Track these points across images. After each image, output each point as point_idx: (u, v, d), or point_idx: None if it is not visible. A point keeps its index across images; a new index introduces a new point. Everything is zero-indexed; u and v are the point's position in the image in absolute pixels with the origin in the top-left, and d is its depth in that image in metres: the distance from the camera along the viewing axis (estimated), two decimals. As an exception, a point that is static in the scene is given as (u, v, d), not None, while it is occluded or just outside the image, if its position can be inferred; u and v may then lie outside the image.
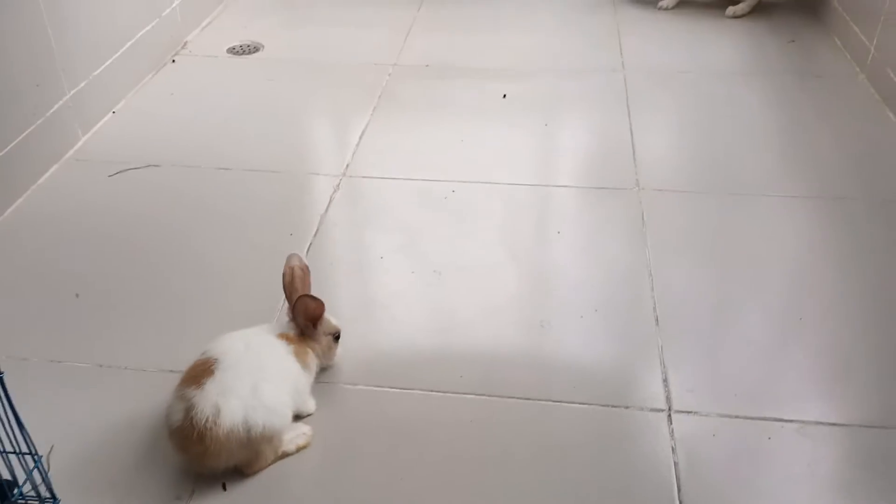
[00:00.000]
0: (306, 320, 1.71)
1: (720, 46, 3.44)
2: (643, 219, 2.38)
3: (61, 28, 2.63)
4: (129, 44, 3.07)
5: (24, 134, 2.49)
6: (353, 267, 2.23)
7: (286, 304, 1.77)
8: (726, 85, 3.14)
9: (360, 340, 1.97)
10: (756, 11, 3.73)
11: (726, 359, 1.90)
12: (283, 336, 1.69)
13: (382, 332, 2.00)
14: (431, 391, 1.82)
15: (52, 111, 2.62)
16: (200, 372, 1.53)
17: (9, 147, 2.42)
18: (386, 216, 2.44)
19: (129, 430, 1.72)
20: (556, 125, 2.91)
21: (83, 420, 1.74)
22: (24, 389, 1.37)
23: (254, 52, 3.49)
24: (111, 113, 2.97)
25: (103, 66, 2.90)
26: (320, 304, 1.70)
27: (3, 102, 2.39)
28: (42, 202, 2.49)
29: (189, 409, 1.48)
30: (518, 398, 1.79)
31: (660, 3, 3.76)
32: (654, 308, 2.04)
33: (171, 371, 1.86)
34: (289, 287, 1.75)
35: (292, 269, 1.76)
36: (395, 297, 2.11)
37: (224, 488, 1.59)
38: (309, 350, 1.71)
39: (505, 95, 3.09)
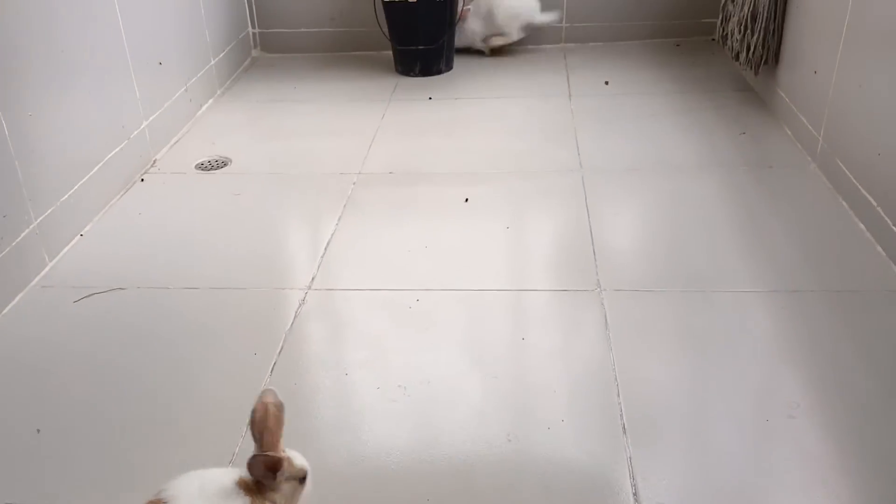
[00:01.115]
0: (265, 473, 1.57)
1: (673, 140, 3.56)
2: (606, 320, 2.41)
3: (28, 155, 2.68)
4: (97, 166, 3.13)
5: (-11, 265, 2.51)
6: (318, 385, 2.23)
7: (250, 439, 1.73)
8: (681, 179, 3.23)
9: (322, 465, 1.95)
10: (705, 104, 3.88)
11: (698, 467, 1.90)
12: (242, 483, 1.58)
13: (346, 456, 1.98)
14: (398, 516, 1.79)
15: (18, 240, 2.64)
16: None
17: (-27, 280, 2.43)
18: (350, 329, 2.46)
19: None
20: (518, 228, 2.98)
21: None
22: None
23: (221, 167, 3.56)
24: (79, 236, 3.00)
25: (72, 191, 2.95)
26: (277, 460, 1.56)
27: (-32, 236, 2.42)
28: (5, 333, 2.48)
29: None
30: (487, 520, 1.77)
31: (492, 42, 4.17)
32: (621, 415, 2.05)
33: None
34: (259, 424, 1.61)
35: (265, 406, 1.63)
36: (359, 416, 2.10)
37: None
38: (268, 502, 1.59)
39: (467, 199, 3.16)
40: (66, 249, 2.91)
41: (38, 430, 2.08)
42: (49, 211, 2.81)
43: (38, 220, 2.76)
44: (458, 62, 4.60)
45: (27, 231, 2.70)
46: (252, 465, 1.56)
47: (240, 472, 1.62)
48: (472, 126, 3.86)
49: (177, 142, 3.81)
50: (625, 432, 1.99)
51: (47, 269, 2.80)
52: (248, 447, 1.95)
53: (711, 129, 3.64)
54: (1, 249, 2.56)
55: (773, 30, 3.59)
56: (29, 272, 2.72)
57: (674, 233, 2.87)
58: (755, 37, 3.68)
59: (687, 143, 3.53)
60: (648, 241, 2.84)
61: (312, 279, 2.70)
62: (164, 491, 1.57)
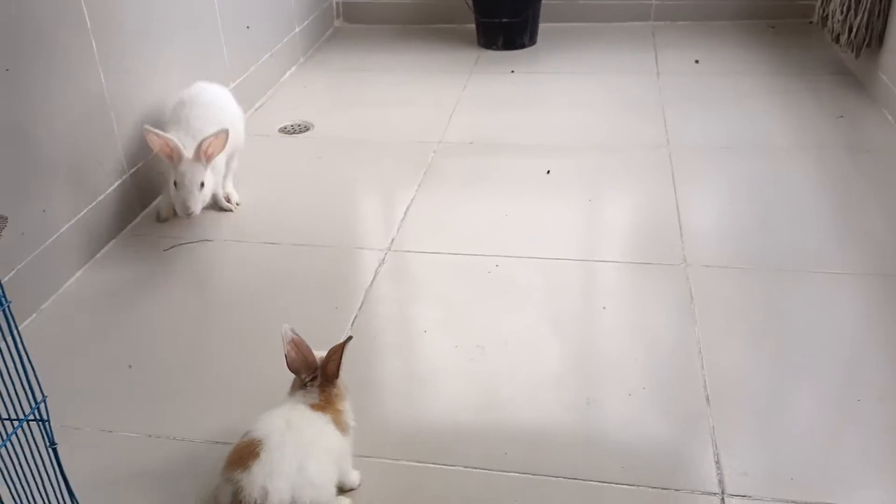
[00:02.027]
0: (331, 378, 1.70)
1: (766, 121, 3.44)
2: (691, 295, 2.35)
3: (123, 108, 2.76)
4: (186, 124, 3.20)
5: (87, 209, 2.59)
6: (397, 341, 2.24)
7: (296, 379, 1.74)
8: (774, 159, 3.13)
9: (402, 415, 1.96)
10: (800, 86, 3.74)
11: (781, 441, 1.84)
12: (317, 406, 1.66)
13: (425, 407, 1.99)
14: (475, 468, 1.79)
15: (111, 188, 2.73)
16: (246, 454, 1.52)
17: (74, 219, 2.52)
18: (430, 290, 2.46)
19: (175, 499, 1.72)
20: (601, 200, 2.93)
21: (131, 488, 1.75)
22: (76, 458, 1.39)
23: (304, 132, 3.60)
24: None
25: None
26: (334, 361, 1.69)
27: (70, 178, 2.50)
28: (99, 276, 2.57)
29: (237, 493, 1.47)
30: (564, 478, 1.75)
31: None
32: (705, 386, 2.00)
33: (217, 442, 1.88)
34: (296, 361, 1.73)
35: (296, 343, 1.73)
36: (438, 372, 2.10)
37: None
38: (342, 409, 1.69)
39: (549, 171, 3.12)
40: (156, 201, 2.99)
41: (130, 366, 2.15)
42: (140, 164, 2.89)
43: (131, 172, 2.84)
44: (543, 36, 4.54)
45: (119, 181, 2.78)
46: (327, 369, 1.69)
47: (305, 400, 1.68)
48: (556, 100, 3.81)
49: (261, 106, 3.87)
50: (708, 403, 1.94)
51: (138, 218, 2.89)
52: (330, 392, 1.97)
53: (807, 111, 3.51)
54: (96, 197, 2.64)
55: (879, 11, 3.43)
56: (122, 220, 2.81)
57: (764, 212, 2.78)
58: (859, 18, 3.52)
59: (780, 124, 3.41)
60: (737, 220, 2.75)
61: (392, 241, 2.71)
62: (253, 431, 1.58)
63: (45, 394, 1.27)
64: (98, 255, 2.67)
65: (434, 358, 2.16)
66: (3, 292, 1.17)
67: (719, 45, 4.30)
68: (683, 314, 2.27)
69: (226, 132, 2.57)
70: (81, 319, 2.36)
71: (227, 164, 2.85)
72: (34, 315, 2.37)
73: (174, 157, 2.56)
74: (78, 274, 2.57)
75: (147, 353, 2.20)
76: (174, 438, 1.90)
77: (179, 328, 2.31)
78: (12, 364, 1.22)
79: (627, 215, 2.86)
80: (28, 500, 1.34)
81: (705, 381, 2.01)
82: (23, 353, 1.21)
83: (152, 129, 2.54)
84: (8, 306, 1.18)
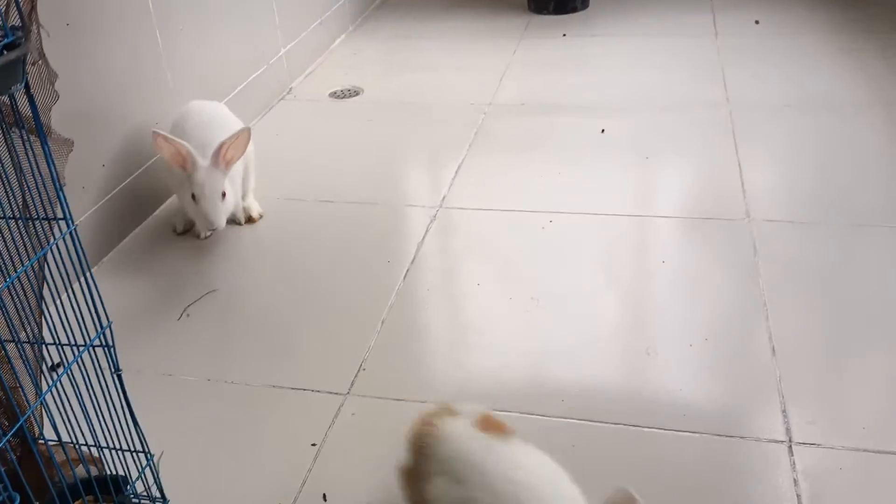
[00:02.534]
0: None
1: (829, 79, 3.32)
2: (755, 249, 2.28)
3: (178, 67, 2.78)
4: (238, 88, 3.22)
5: (147, 165, 2.62)
6: (450, 293, 2.22)
7: None
8: (838, 117, 3.02)
9: (456, 363, 1.94)
10: (866, 45, 3.60)
11: (851, 392, 1.78)
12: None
13: (480, 356, 1.96)
14: (530, 414, 1.76)
15: (167, 147, 2.75)
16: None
17: (134, 174, 2.55)
18: (482, 245, 2.43)
19: (233, 442, 1.74)
20: (658, 158, 2.86)
21: (191, 431, 1.77)
22: (137, 400, 1.40)
23: (354, 96, 3.60)
24: (221, 151, 3.09)
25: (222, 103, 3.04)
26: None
27: (128, 136, 2.53)
28: (157, 231, 2.60)
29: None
30: (624, 424, 1.72)
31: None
32: (770, 338, 1.94)
33: (275, 386, 1.89)
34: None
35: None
36: (492, 323, 2.08)
37: (325, 499, 1.58)
38: None
39: (603, 130, 3.06)
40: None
41: (188, 314, 2.17)
42: (196, 123, 2.91)
43: (186, 131, 2.86)
44: (596, 0, 4.46)
45: (176, 140, 2.80)
46: None
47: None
48: (609, 62, 3.73)
49: (311, 72, 3.87)
50: (774, 354, 1.88)
51: (193, 177, 2.91)
52: (381, 342, 1.98)
53: (874, 70, 3.37)
54: (154, 155, 2.67)
55: (950, -38, 3.28)
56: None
57: (829, 168, 2.68)
58: (928, -30, 3.36)
59: (845, 82, 3.29)
60: (802, 176, 2.66)
61: (443, 198, 2.69)
62: (435, 426, 1.40)
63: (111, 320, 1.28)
64: (157, 212, 2.70)
65: (488, 309, 2.13)
66: (69, 214, 1.17)
67: (780, 5, 4.16)
68: (747, 268, 2.21)
69: (247, 131, 2.33)
70: (139, 272, 2.39)
71: (245, 180, 2.56)
72: (95, 268, 2.41)
73: (187, 165, 2.28)
74: (136, 230, 2.60)
75: (203, 304, 2.22)
76: (232, 382, 1.92)
77: (235, 280, 2.32)
78: (79, 290, 1.23)
79: (686, 172, 2.79)
80: (93, 427, 1.35)
81: (770, 333, 1.95)
82: (89, 278, 1.22)
83: (162, 132, 2.26)
84: (74, 229, 1.18)
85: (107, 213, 2.45)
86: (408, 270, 2.31)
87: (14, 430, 1.12)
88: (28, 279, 1.24)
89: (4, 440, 1.10)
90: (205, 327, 2.12)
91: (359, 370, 1.93)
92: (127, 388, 1.36)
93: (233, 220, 2.58)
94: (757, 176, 2.66)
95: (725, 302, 2.09)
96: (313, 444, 1.72)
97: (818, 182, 2.61)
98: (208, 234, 2.51)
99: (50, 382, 1.36)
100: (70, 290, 1.24)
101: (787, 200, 2.52)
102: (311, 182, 2.86)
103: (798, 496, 1.51)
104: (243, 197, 2.60)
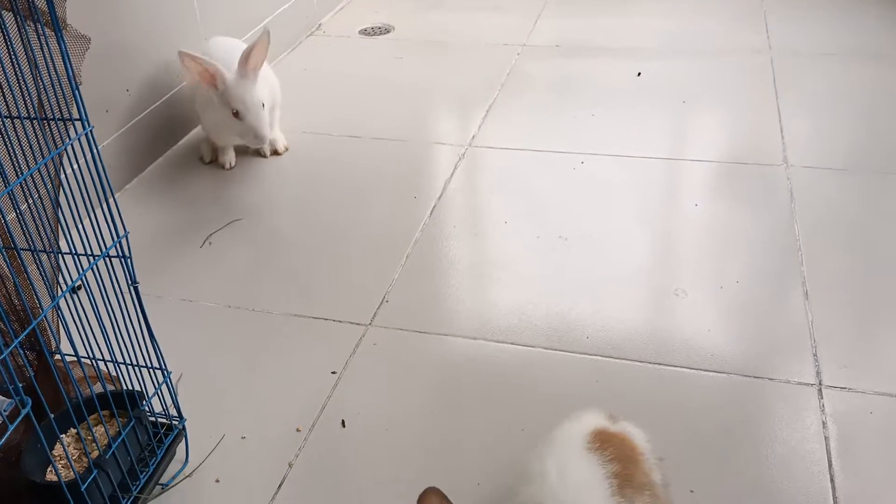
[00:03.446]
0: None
1: (874, 29, 3.19)
2: (791, 195, 2.21)
3: (206, 2, 2.72)
4: (265, 21, 3.16)
5: (169, 95, 2.59)
6: (477, 229, 2.18)
7: None
8: (881, 66, 2.90)
9: (480, 298, 1.91)
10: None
11: (884, 338, 1.72)
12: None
13: (504, 292, 1.93)
14: (555, 349, 1.73)
15: (194, 78, 2.71)
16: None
17: (158, 102, 2.53)
18: (511, 184, 2.38)
19: (252, 367, 1.73)
20: (695, 103, 2.77)
21: (210, 355, 1.77)
22: (157, 325, 1.39)
23: (385, 34, 3.52)
24: (248, 85, 3.05)
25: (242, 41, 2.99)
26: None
27: (155, 64, 2.49)
28: (180, 160, 2.58)
29: None
30: (650, 363, 1.68)
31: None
32: (804, 282, 1.87)
33: (296, 315, 1.87)
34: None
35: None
36: (519, 259, 2.04)
37: (343, 425, 1.57)
38: None
39: (640, 74, 2.97)
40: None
41: (210, 243, 2.16)
42: (223, 55, 2.87)
43: (213, 63, 2.82)
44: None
45: (203, 71, 2.76)
46: None
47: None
48: (648, 5, 3.61)
49: (341, 9, 3.80)
50: (807, 298, 1.82)
51: (219, 110, 2.88)
52: (405, 275, 1.95)
53: (924, 16, 3.23)
54: (179, 84, 2.64)
55: None
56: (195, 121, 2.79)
57: (870, 118, 2.58)
58: None
59: (890, 32, 3.14)
60: (842, 124, 2.56)
61: (473, 138, 2.63)
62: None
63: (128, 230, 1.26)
64: (182, 141, 2.68)
65: (514, 246, 2.09)
66: (85, 115, 1.14)
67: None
68: (782, 213, 2.14)
69: (266, 34, 2.26)
70: (163, 199, 2.37)
71: (271, 113, 2.44)
72: (118, 195, 2.40)
73: (217, 82, 2.23)
74: (160, 159, 2.59)
75: (226, 233, 2.20)
76: (253, 310, 1.90)
77: (260, 211, 2.30)
78: (95, 196, 1.21)
79: (724, 118, 2.70)
80: (110, 342, 1.34)
81: (804, 278, 1.89)
82: (105, 183, 1.20)
83: (189, 52, 2.20)
84: (90, 131, 1.15)
85: (131, 139, 2.43)
86: (434, 207, 2.27)
87: (25, 333, 1.11)
88: (43, 181, 1.22)
89: (16, 342, 1.09)
90: (227, 256, 2.11)
91: (381, 302, 1.91)
92: (147, 314, 1.35)
93: (258, 153, 2.56)
94: (796, 123, 2.56)
95: (759, 246, 2.02)
96: (333, 372, 1.70)
97: (858, 131, 2.52)
98: (232, 164, 2.50)
99: (70, 304, 1.36)
100: (87, 199, 1.22)
101: (827, 148, 2.43)
102: (338, 118, 2.81)
103: (826, 438, 1.47)
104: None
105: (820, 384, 1.59)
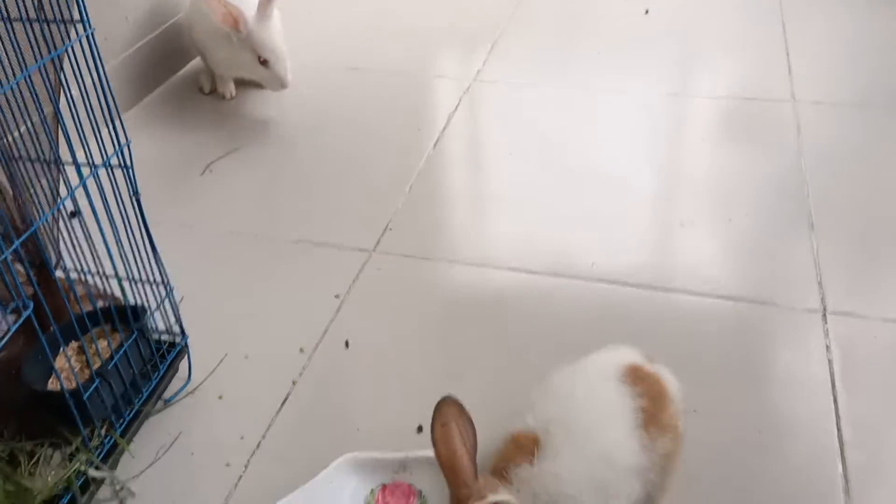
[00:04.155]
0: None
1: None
2: (799, 129, 2.18)
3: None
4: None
5: (169, 23, 2.54)
6: (481, 161, 2.16)
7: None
8: (894, 3, 2.84)
9: (484, 226, 1.90)
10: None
11: (890, 266, 1.71)
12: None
13: (509, 221, 1.91)
14: (560, 276, 1.72)
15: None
16: None
17: (157, 31, 2.48)
18: (516, 118, 2.35)
19: (255, 291, 1.72)
20: (703, 40, 2.73)
21: (212, 279, 1.76)
22: (158, 249, 1.37)
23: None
24: (248, 18, 2.99)
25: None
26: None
27: (151, 1, 2.44)
28: (180, 90, 2.54)
29: None
30: (655, 289, 1.67)
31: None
32: (810, 214, 1.86)
33: (298, 241, 1.86)
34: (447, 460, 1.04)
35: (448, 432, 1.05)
36: (523, 190, 2.02)
37: (347, 346, 1.56)
38: None
39: (647, 11, 2.91)
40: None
41: (211, 170, 2.13)
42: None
43: None
44: None
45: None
46: None
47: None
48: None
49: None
50: (812, 228, 1.81)
51: (219, 42, 2.83)
52: (409, 204, 1.94)
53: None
54: (179, 12, 2.59)
55: None
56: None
57: (878, 54, 2.54)
58: None
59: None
60: (851, 59, 2.53)
61: (478, 72, 2.59)
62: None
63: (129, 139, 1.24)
64: (180, 72, 2.64)
65: (519, 177, 2.07)
66: (86, 16, 1.11)
67: None
68: (789, 147, 2.11)
69: None
70: (162, 128, 2.34)
71: None
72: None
73: (239, 25, 2.19)
74: (160, 88, 2.55)
75: (227, 161, 2.17)
76: (255, 236, 1.89)
77: (261, 140, 2.27)
78: (98, 106, 1.18)
79: (731, 54, 2.65)
80: (112, 255, 1.33)
81: (810, 208, 1.87)
82: (106, 88, 1.17)
83: None
84: (91, 33, 1.12)
85: (129, 67, 2.39)
86: (438, 139, 2.24)
87: (26, 235, 1.09)
88: (44, 84, 1.19)
89: (17, 244, 1.07)
90: (228, 183, 2.08)
91: (385, 229, 1.89)
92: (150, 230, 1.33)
93: (260, 84, 2.52)
94: (804, 59, 2.53)
95: (765, 180, 2.01)
96: (337, 296, 1.70)
97: (868, 66, 2.49)
98: (233, 94, 2.47)
99: (70, 229, 1.34)
100: (89, 107, 1.19)
101: (835, 84, 2.40)
102: (340, 50, 2.77)
103: (830, 361, 1.47)
104: None
105: (824, 310, 1.59)
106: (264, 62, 2.25)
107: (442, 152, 2.18)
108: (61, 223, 1.40)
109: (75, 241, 1.35)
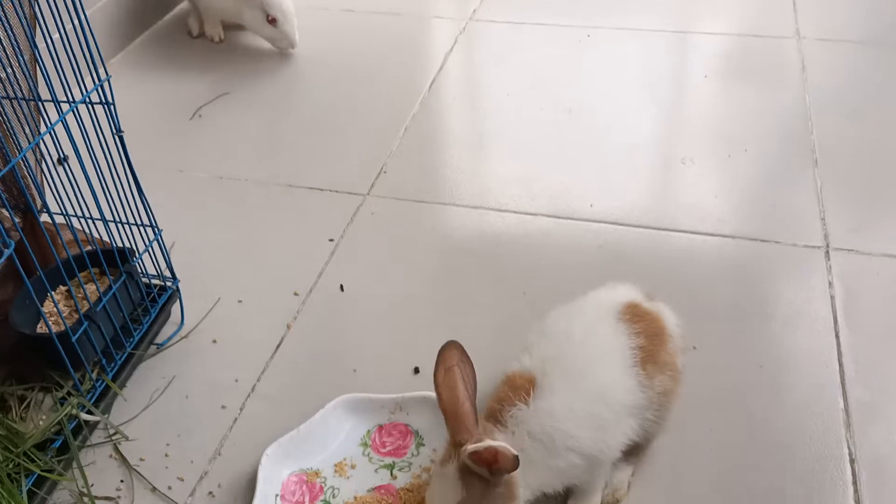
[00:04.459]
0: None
1: None
2: (803, 66, 2.13)
3: None
4: None
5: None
6: (478, 103, 2.11)
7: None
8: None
9: (480, 168, 1.86)
10: None
11: (894, 203, 1.67)
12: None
13: (506, 162, 1.87)
14: (558, 217, 1.69)
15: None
16: None
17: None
18: (513, 58, 2.29)
19: (248, 235, 1.69)
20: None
21: (204, 224, 1.73)
22: (147, 195, 1.34)
23: None
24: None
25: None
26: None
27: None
28: (169, 35, 2.47)
29: None
30: (656, 228, 1.64)
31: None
32: (814, 150, 1.82)
33: (290, 185, 1.82)
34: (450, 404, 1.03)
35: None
36: (521, 131, 1.97)
37: (342, 289, 1.54)
38: None
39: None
40: None
41: (200, 115, 2.09)
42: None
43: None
44: None
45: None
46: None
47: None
48: None
49: None
50: (816, 165, 1.77)
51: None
52: (404, 147, 1.89)
53: None
54: (164, -45, 2.51)
55: None
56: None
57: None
58: None
59: None
60: (859, -4, 2.46)
61: (473, 11, 2.52)
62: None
63: (111, 74, 1.19)
64: (167, 16, 2.57)
65: (517, 118, 2.02)
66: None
67: None
68: (793, 84, 2.06)
69: None
70: (150, 72, 2.28)
71: None
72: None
73: None
74: (146, 33, 2.48)
75: (217, 106, 2.12)
76: (246, 180, 1.85)
77: (251, 84, 2.21)
78: (76, 43, 1.13)
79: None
80: (97, 198, 1.30)
81: (814, 145, 1.83)
82: (84, 22, 1.12)
83: None
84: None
85: (116, 10, 2.32)
86: (433, 80, 2.19)
87: (8, 168, 1.06)
88: (20, 20, 1.14)
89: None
90: (218, 128, 2.04)
91: (379, 173, 1.85)
92: (139, 179, 1.29)
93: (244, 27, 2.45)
94: (811, -5, 2.46)
95: (769, 115, 1.96)
96: (331, 240, 1.67)
97: (872, 4, 2.43)
98: (221, 38, 2.43)
99: (57, 175, 1.30)
100: (68, 46, 1.15)
101: (841, 21, 2.34)
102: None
103: (832, 297, 1.44)
104: None
105: (827, 246, 1.56)
106: (273, 21, 2.23)
107: (437, 94, 2.13)
108: (46, 168, 1.37)
109: (62, 186, 1.32)
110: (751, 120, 1.94)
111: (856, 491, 1.14)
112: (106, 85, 1.20)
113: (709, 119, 1.98)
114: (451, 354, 1.05)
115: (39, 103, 1.27)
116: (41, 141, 1.32)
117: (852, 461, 1.18)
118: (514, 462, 0.96)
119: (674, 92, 2.10)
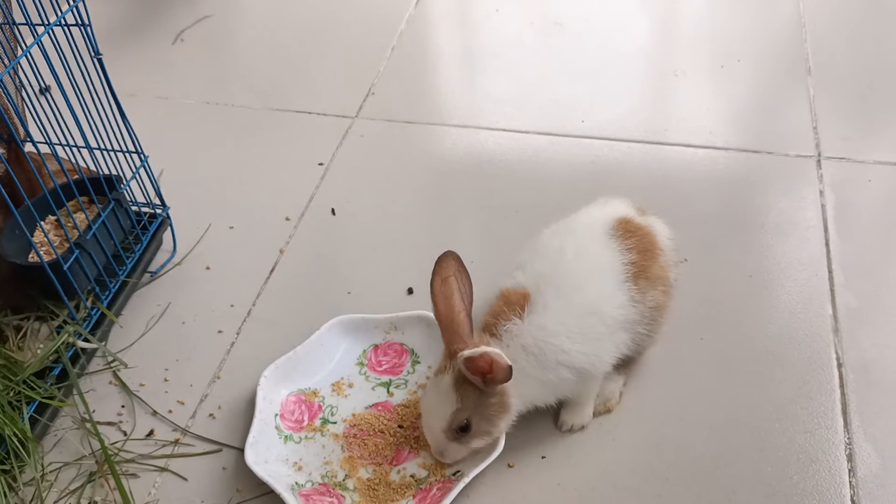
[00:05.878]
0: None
1: None
2: (798, -28, 2.07)
3: None
4: None
5: None
6: (466, 18, 2.06)
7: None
8: None
9: (470, 86, 1.83)
10: None
11: (885, 112, 1.66)
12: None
13: (496, 79, 1.84)
14: (549, 134, 1.67)
15: None
16: None
17: None
18: (501, -28, 2.22)
19: (236, 161, 1.68)
20: None
21: (191, 151, 1.71)
22: (133, 123, 1.31)
23: None
24: None
25: None
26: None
27: None
28: None
29: None
30: (646, 142, 1.63)
31: None
32: (808, 59, 1.79)
33: (277, 109, 1.80)
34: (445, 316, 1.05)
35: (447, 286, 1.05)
36: (511, 47, 1.93)
37: (333, 213, 1.54)
38: None
39: None
40: None
41: (182, 39, 2.04)
42: None
43: None
44: None
45: None
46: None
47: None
48: None
49: None
50: (809, 73, 1.75)
51: None
52: (392, 67, 1.86)
53: None
54: None
55: None
56: None
57: None
58: None
59: None
60: None
61: (459, -75, 2.43)
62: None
63: (85, -4, 1.16)
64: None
65: (506, 34, 1.98)
66: None
67: None
68: (788, -9, 2.01)
69: None
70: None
71: None
72: None
73: None
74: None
75: (198, 29, 2.07)
76: (232, 105, 1.82)
77: (232, 6, 2.15)
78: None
79: None
80: (80, 123, 1.27)
81: (808, 55, 1.80)
82: (52, -60, 1.08)
83: None
84: None
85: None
86: (418, -3, 2.13)
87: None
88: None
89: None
90: (201, 52, 2.00)
91: (367, 94, 1.82)
92: (121, 105, 1.27)
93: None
94: None
95: (761, 27, 1.92)
96: (320, 164, 1.65)
97: None
98: None
99: (39, 104, 1.27)
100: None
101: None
102: None
103: (822, 206, 1.45)
104: None
105: (819, 155, 1.55)
106: None
107: (424, 11, 2.08)
108: (27, 98, 1.34)
109: (45, 116, 1.29)
110: (744, 30, 1.91)
111: (843, 394, 1.17)
112: (81, 5, 1.16)
113: (701, 30, 1.94)
114: (449, 264, 1.06)
115: (13, 28, 1.23)
116: (21, 69, 1.30)
117: (840, 365, 1.20)
118: (508, 372, 0.98)
119: (665, 4, 2.05)
